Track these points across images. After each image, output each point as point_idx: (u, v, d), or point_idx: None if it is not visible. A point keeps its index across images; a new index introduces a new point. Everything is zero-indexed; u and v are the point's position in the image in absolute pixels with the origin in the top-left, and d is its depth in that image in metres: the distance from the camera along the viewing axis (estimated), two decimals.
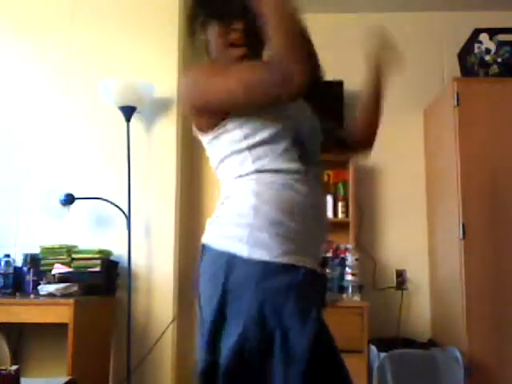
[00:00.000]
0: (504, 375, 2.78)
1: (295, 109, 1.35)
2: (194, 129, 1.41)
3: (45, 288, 2.81)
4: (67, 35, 3.44)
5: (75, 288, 2.84)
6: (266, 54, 1.34)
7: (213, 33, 1.38)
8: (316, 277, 1.29)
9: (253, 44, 1.33)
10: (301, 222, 1.27)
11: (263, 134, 1.29)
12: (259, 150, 1.29)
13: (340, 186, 3.36)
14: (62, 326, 2.63)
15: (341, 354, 1.26)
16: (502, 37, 3.12)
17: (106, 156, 3.32)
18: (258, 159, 1.30)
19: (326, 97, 3.40)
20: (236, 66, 1.30)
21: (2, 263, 2.99)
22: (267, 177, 1.28)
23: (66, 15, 3.46)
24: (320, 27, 3.70)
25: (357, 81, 3.87)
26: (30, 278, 2.97)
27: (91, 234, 3.24)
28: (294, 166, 1.29)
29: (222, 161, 1.36)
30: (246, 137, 1.30)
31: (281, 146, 1.30)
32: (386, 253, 3.45)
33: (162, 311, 3.19)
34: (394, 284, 3.39)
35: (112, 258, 3.16)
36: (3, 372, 1.76)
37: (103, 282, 3.01)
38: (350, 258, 3.12)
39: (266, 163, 1.29)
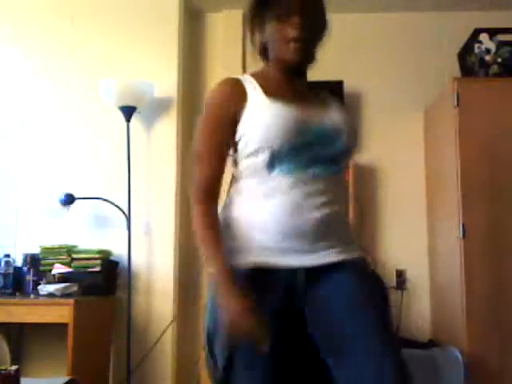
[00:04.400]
0: (504, 375, 2.78)
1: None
2: None
3: (45, 288, 2.81)
4: (67, 35, 3.44)
5: (75, 288, 2.84)
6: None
7: (272, 30, 1.42)
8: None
9: (309, 37, 1.41)
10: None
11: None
12: None
13: None
14: (62, 326, 2.64)
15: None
16: (502, 37, 3.11)
17: (106, 156, 3.32)
18: None
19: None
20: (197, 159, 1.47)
21: (2, 263, 2.99)
22: None
23: (66, 15, 3.46)
24: None
25: (357, 81, 3.90)
26: (30, 277, 2.97)
27: (91, 234, 3.24)
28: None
29: None
30: None
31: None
32: (386, 253, 3.45)
33: (162, 311, 3.19)
34: (394, 284, 3.39)
35: (112, 257, 3.16)
36: (3, 372, 1.76)
37: (103, 282, 3.01)
38: None
39: None
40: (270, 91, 1.43)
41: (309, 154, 1.37)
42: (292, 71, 1.46)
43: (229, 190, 1.51)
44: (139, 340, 3.14)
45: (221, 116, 1.43)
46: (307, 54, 1.44)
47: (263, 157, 1.38)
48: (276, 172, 1.37)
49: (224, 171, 1.46)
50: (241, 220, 1.40)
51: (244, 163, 1.43)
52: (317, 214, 1.35)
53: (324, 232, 1.36)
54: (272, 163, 1.37)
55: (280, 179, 1.36)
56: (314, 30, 1.42)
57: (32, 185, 3.32)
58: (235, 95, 1.42)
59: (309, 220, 1.35)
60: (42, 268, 3.01)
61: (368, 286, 1.38)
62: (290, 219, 1.34)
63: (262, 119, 1.37)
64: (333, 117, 1.44)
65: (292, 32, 1.38)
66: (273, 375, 1.31)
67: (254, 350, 1.25)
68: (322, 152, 1.39)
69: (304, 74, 1.51)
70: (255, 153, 1.39)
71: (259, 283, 1.32)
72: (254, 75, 1.49)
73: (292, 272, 1.34)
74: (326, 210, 1.37)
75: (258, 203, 1.39)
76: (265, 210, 1.37)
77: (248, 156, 1.41)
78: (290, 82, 1.48)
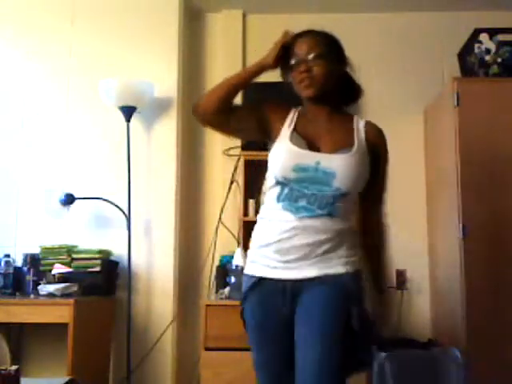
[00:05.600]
0: (503, 375, 2.78)
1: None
2: None
3: (45, 288, 2.81)
4: (68, 35, 3.44)
5: (75, 288, 2.84)
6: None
7: (290, 76, 1.77)
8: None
9: (317, 75, 1.72)
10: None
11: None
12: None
13: None
14: (62, 326, 2.64)
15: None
16: (502, 37, 3.11)
17: (106, 156, 3.32)
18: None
19: None
20: None
21: (2, 263, 2.99)
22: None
23: (66, 15, 3.46)
24: (320, 27, 3.71)
25: (356, 81, 3.87)
26: (30, 277, 2.97)
27: (91, 233, 3.24)
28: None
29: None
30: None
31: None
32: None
33: (162, 311, 3.19)
34: (394, 284, 3.39)
35: (112, 257, 3.17)
36: (3, 372, 1.76)
37: (103, 282, 3.01)
38: None
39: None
40: (301, 123, 1.77)
41: (303, 192, 1.66)
42: (316, 102, 1.76)
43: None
44: (139, 340, 3.14)
45: (259, 106, 1.81)
46: (320, 88, 1.72)
47: (275, 190, 1.71)
48: (281, 205, 1.68)
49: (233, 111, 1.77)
50: (254, 237, 1.78)
51: (267, 194, 1.77)
52: (305, 249, 1.65)
53: (309, 255, 1.65)
54: (278, 197, 1.70)
55: (282, 212, 1.68)
56: (323, 69, 1.71)
57: (32, 185, 3.31)
58: (280, 117, 1.79)
59: (297, 248, 1.65)
60: (42, 268, 3.01)
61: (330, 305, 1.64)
62: (281, 245, 1.67)
63: (274, 152, 1.73)
64: (333, 160, 1.66)
65: (300, 75, 1.72)
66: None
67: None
68: (315, 192, 1.65)
69: (331, 102, 1.77)
70: (272, 186, 1.73)
71: (263, 287, 1.71)
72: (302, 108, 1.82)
73: (282, 283, 1.68)
74: (316, 245, 1.65)
75: (265, 227, 1.73)
76: (267, 234, 1.71)
77: (269, 188, 1.75)
78: (320, 111, 1.77)
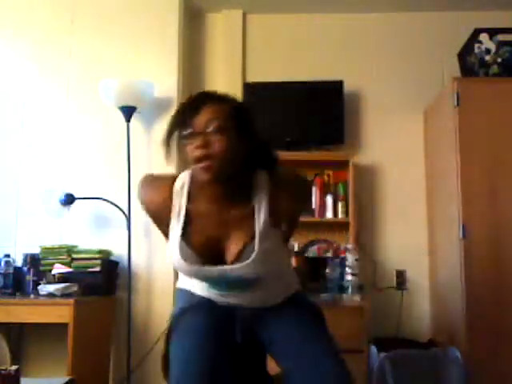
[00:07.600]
0: (503, 375, 2.78)
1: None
2: None
3: (45, 288, 2.81)
4: (68, 35, 3.44)
5: (75, 288, 2.84)
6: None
7: (185, 151, 1.50)
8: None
9: (219, 153, 1.42)
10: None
11: None
12: None
13: (340, 186, 3.36)
14: (62, 326, 2.63)
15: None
16: (502, 37, 3.12)
17: (106, 156, 3.32)
18: None
19: (326, 97, 3.40)
20: None
21: (2, 263, 2.99)
22: None
23: (66, 15, 3.46)
24: (320, 27, 3.72)
25: (357, 81, 3.89)
26: (30, 277, 2.97)
27: (91, 233, 3.24)
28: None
29: None
30: None
31: None
32: (386, 253, 3.45)
33: (162, 311, 3.19)
34: (394, 284, 3.39)
35: (112, 257, 3.17)
36: (3, 372, 1.76)
37: (103, 281, 3.01)
38: (350, 258, 3.12)
39: None
40: (196, 204, 1.55)
41: (221, 285, 1.60)
42: (215, 183, 1.48)
43: None
44: (139, 340, 3.14)
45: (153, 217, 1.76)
46: (222, 169, 1.42)
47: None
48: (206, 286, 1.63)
49: None
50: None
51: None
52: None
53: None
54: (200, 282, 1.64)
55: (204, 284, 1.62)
56: (225, 144, 1.40)
57: (32, 185, 3.31)
58: (164, 207, 1.67)
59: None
60: (42, 268, 3.01)
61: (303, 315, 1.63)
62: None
63: (173, 257, 1.65)
64: (237, 271, 1.49)
65: (197, 151, 1.41)
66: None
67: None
68: (234, 286, 1.59)
69: (233, 180, 1.49)
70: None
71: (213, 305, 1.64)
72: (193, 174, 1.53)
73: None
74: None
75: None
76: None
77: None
78: (220, 191, 1.52)
